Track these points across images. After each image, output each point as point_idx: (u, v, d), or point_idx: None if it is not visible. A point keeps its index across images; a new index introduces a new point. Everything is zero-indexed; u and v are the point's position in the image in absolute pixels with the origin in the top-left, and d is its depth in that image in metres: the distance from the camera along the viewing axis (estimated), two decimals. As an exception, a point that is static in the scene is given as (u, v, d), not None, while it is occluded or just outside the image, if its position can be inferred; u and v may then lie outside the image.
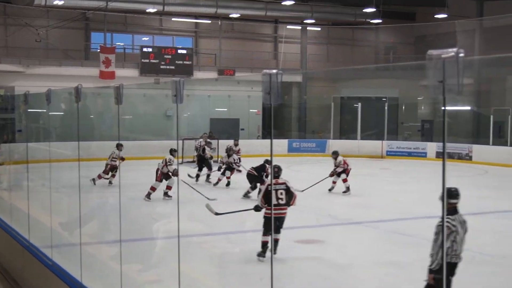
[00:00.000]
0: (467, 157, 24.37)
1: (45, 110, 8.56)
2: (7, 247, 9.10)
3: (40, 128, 9.85)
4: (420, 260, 6.15)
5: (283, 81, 3.75)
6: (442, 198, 5.36)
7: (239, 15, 29.69)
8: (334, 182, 15.35)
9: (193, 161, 18.78)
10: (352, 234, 11.00)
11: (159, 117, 26.79)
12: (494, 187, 17.84)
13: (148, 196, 13.69)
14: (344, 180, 15.14)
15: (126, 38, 30.45)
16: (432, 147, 25.55)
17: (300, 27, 31.97)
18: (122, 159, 14.79)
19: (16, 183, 10.98)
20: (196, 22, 31.61)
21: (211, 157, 18.10)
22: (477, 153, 24.30)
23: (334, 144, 26.08)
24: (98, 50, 27.48)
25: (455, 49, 2.58)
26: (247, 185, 14.35)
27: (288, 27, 32.25)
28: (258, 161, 14.43)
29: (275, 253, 8.31)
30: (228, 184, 16.29)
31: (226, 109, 29.90)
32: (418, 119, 31.39)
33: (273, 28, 33.79)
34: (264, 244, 8.39)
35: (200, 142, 18.25)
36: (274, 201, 8.48)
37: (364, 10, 30.09)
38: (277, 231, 8.46)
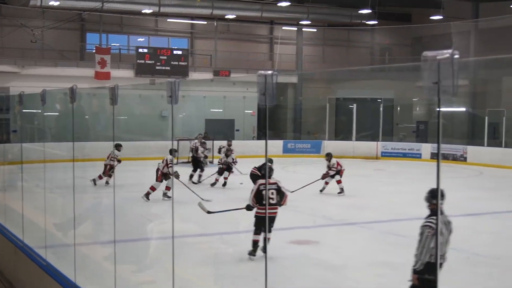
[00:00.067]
0: (462, 158, 24.43)
1: (40, 111, 8.54)
2: (1, 248, 9.07)
3: (35, 128, 9.81)
4: (414, 261, 6.13)
5: (278, 82, 3.74)
6: (427, 199, 5.40)
7: (234, 16, 29.71)
8: (326, 183, 15.28)
9: (188, 162, 18.77)
10: (346, 235, 11.00)
11: (154, 118, 26.73)
12: (488, 188, 17.89)
13: (147, 195, 13.53)
14: (338, 182, 15.12)
15: (121, 39, 30.35)
16: (427, 148, 25.59)
17: (295, 28, 32.02)
18: (119, 161, 14.76)
19: (11, 183, 10.93)
20: (191, 23, 31.57)
21: (206, 157, 18.05)
22: (472, 154, 24.36)
23: (329, 145, 26.09)
24: (94, 51, 27.45)
25: (450, 51, 2.59)
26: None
27: (283, 28, 32.26)
28: (253, 162, 14.39)
29: (265, 251, 8.31)
30: (224, 184, 16.28)
31: (221, 110, 29.92)
32: (413, 120, 31.44)
33: (268, 29, 33.77)
34: (255, 243, 8.44)
35: (195, 143, 18.24)
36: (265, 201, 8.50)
37: (360, 12, 30.10)
38: (268, 230, 8.47)
